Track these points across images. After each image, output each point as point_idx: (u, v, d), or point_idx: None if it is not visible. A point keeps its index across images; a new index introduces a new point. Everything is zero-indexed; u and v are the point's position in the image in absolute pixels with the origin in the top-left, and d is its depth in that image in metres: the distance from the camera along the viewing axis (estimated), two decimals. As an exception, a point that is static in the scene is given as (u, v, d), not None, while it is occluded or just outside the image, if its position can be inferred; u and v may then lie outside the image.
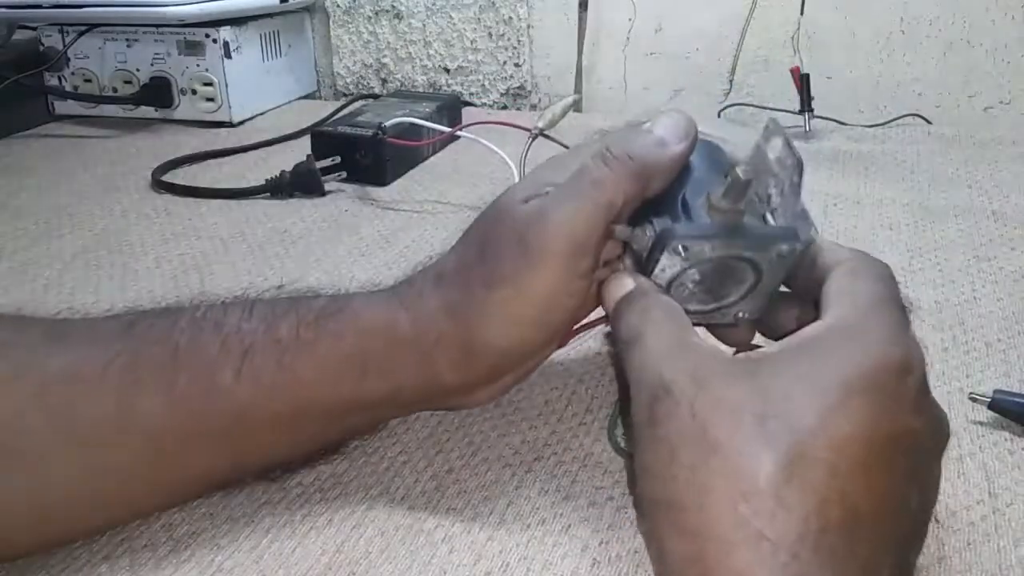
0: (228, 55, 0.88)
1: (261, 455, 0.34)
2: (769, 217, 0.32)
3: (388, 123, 0.70)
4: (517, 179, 0.58)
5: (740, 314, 0.34)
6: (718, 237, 0.31)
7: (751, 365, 0.27)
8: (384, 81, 1.05)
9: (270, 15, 0.96)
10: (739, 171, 0.30)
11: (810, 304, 0.31)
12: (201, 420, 0.31)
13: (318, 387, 0.33)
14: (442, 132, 0.71)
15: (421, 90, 1.03)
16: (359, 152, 0.70)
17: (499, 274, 0.33)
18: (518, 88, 1.01)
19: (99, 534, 0.32)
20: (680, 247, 0.31)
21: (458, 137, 0.83)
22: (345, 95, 1.06)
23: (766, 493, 0.24)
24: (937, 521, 0.32)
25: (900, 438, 0.25)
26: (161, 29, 0.88)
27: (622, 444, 0.37)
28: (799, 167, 0.30)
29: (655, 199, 0.33)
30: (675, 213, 0.32)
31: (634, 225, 0.33)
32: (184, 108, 0.91)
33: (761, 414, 0.25)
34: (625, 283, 0.32)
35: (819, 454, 0.24)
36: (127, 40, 0.89)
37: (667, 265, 0.31)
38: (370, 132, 0.70)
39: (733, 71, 0.96)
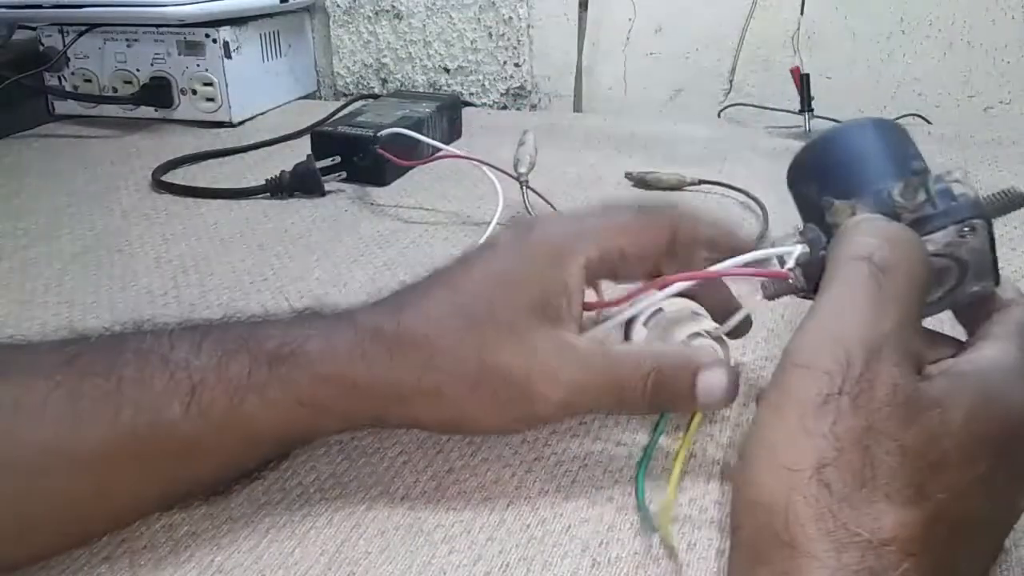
0: (228, 55, 0.88)
1: (206, 481, 0.34)
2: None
3: (382, 133, 0.70)
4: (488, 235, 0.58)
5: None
6: (991, 239, 0.29)
7: (940, 396, 0.24)
8: (384, 81, 1.05)
9: (270, 15, 0.96)
10: (1018, 191, 0.29)
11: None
12: (147, 451, 0.31)
13: (271, 425, 0.32)
14: (438, 149, 0.71)
15: (421, 90, 1.03)
16: (359, 152, 0.70)
17: (486, 393, 0.32)
18: (518, 88, 1.01)
19: (38, 559, 0.32)
20: (968, 227, 0.28)
21: (458, 136, 0.83)
22: (345, 95, 1.06)
23: (900, 545, 0.22)
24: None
25: (1009, 513, 0.26)
26: (161, 29, 0.88)
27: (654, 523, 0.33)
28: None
29: (883, 159, 0.30)
30: (934, 191, 0.29)
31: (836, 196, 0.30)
32: (184, 108, 0.91)
33: (927, 465, 0.23)
34: None
35: (953, 521, 0.23)
36: (127, 40, 0.89)
37: (936, 240, 0.28)
38: (370, 133, 0.70)
39: (733, 71, 0.96)
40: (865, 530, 0.22)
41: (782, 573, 0.23)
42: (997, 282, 0.30)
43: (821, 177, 0.32)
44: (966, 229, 0.28)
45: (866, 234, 0.26)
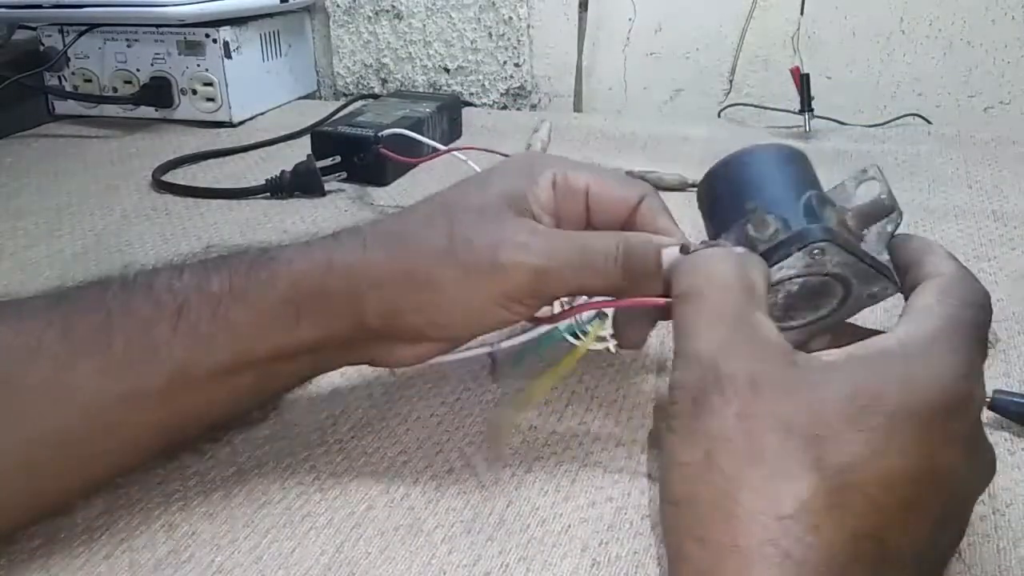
0: (228, 55, 0.88)
1: (200, 412, 0.34)
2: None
3: (383, 133, 0.69)
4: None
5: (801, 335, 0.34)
6: (852, 253, 0.30)
7: (811, 375, 0.26)
8: (384, 81, 1.05)
9: (270, 15, 0.96)
10: (885, 195, 0.30)
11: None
12: (139, 380, 0.31)
13: (253, 336, 0.33)
14: (437, 149, 0.71)
15: (421, 90, 1.03)
16: (359, 152, 0.70)
17: (456, 264, 0.33)
18: (518, 88, 1.01)
19: (46, 510, 0.32)
20: (818, 250, 0.30)
21: (458, 137, 0.83)
22: (345, 95, 1.06)
23: (802, 517, 0.23)
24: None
25: (946, 479, 0.25)
26: (161, 29, 0.88)
27: None
28: (899, 218, 0.31)
29: (751, 191, 0.32)
30: (799, 216, 0.31)
31: (728, 217, 0.32)
32: (184, 108, 0.91)
33: (813, 436, 0.24)
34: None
35: (864, 487, 0.24)
36: (127, 40, 0.89)
37: (790, 265, 0.30)
38: (370, 133, 0.70)
39: (733, 71, 0.96)
40: (765, 508, 0.23)
41: (699, 564, 0.24)
42: (896, 283, 0.31)
43: (708, 208, 0.35)
44: (816, 252, 0.30)
45: (675, 274, 0.30)
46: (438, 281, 0.33)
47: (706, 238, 0.34)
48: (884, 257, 0.31)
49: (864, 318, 0.34)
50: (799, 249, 0.30)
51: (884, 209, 0.30)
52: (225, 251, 0.35)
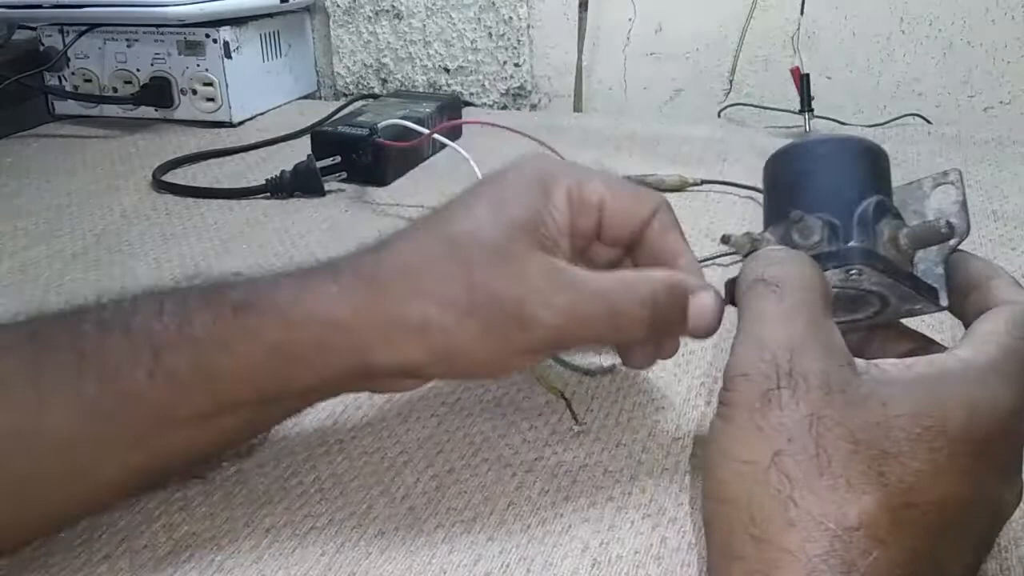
0: (228, 55, 0.88)
1: (182, 454, 0.32)
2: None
3: (381, 124, 0.70)
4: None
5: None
6: (892, 276, 0.29)
7: (879, 388, 0.25)
8: (384, 81, 1.05)
9: (270, 15, 0.96)
10: (942, 223, 0.29)
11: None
12: (114, 425, 0.30)
13: (239, 385, 0.30)
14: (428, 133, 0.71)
15: (421, 90, 1.03)
16: (359, 152, 0.70)
17: (477, 320, 0.30)
18: (518, 88, 1.01)
19: (14, 545, 0.31)
20: (858, 271, 0.29)
21: (459, 136, 0.83)
22: (345, 95, 1.06)
23: (868, 530, 0.23)
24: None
25: (991, 505, 0.25)
26: (161, 29, 0.88)
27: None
28: (964, 235, 0.30)
29: (811, 187, 0.31)
30: (851, 226, 0.30)
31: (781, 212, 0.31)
32: (184, 108, 0.91)
33: (880, 451, 0.24)
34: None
35: (922, 507, 0.23)
36: (127, 40, 0.89)
37: (830, 277, 0.30)
38: (368, 130, 0.70)
39: (733, 71, 0.96)
40: (830, 518, 0.23)
41: (755, 564, 0.23)
42: (938, 304, 0.31)
43: (768, 189, 0.33)
44: (853, 272, 0.29)
45: (755, 260, 0.29)
46: (455, 337, 0.30)
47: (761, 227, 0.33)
48: (939, 271, 0.31)
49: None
50: (835, 267, 0.29)
51: (939, 236, 0.29)
52: (208, 285, 0.32)
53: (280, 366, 0.31)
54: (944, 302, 0.31)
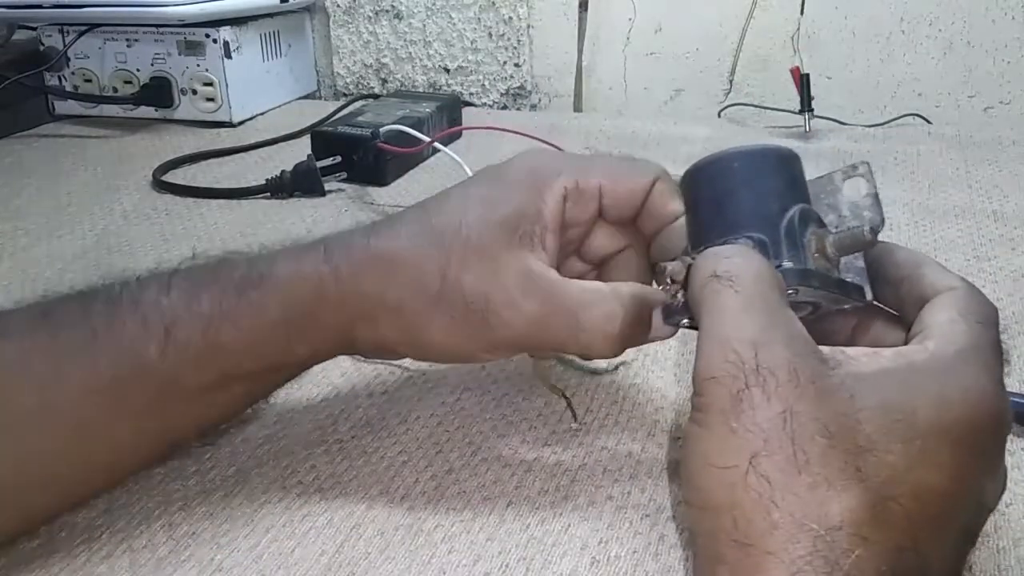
0: (228, 55, 0.88)
1: (191, 422, 0.34)
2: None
3: (383, 128, 0.70)
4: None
5: None
6: (821, 288, 0.29)
7: (848, 381, 0.25)
8: (384, 81, 1.05)
9: (270, 15, 0.96)
10: (866, 231, 0.29)
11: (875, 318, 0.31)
12: (127, 399, 0.31)
13: (244, 355, 0.32)
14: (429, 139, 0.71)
15: (421, 90, 1.03)
16: (359, 152, 0.70)
17: (445, 311, 0.32)
18: (518, 88, 1.01)
19: (39, 522, 0.32)
20: (794, 291, 0.29)
21: (458, 136, 0.83)
22: (345, 95, 1.06)
23: (850, 528, 0.23)
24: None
25: (974, 494, 0.25)
26: (161, 29, 0.88)
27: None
28: (880, 226, 0.30)
29: (733, 204, 0.31)
30: (779, 240, 0.30)
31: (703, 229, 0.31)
32: (184, 108, 0.91)
33: (854, 446, 0.24)
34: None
35: (901, 500, 0.23)
36: (127, 40, 0.89)
37: None
38: (370, 133, 0.70)
39: (733, 71, 0.96)
40: (812, 518, 0.23)
41: (739, 569, 0.23)
42: (864, 299, 0.31)
43: (690, 215, 0.33)
44: (790, 292, 0.28)
45: (705, 259, 0.29)
46: (425, 324, 0.32)
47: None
48: (859, 264, 0.31)
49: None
50: None
51: (865, 243, 0.29)
52: (213, 263, 0.34)
53: (281, 339, 0.33)
54: (869, 295, 0.31)
